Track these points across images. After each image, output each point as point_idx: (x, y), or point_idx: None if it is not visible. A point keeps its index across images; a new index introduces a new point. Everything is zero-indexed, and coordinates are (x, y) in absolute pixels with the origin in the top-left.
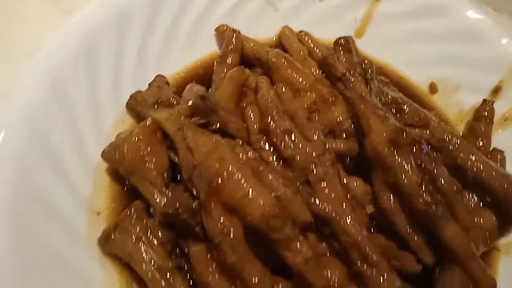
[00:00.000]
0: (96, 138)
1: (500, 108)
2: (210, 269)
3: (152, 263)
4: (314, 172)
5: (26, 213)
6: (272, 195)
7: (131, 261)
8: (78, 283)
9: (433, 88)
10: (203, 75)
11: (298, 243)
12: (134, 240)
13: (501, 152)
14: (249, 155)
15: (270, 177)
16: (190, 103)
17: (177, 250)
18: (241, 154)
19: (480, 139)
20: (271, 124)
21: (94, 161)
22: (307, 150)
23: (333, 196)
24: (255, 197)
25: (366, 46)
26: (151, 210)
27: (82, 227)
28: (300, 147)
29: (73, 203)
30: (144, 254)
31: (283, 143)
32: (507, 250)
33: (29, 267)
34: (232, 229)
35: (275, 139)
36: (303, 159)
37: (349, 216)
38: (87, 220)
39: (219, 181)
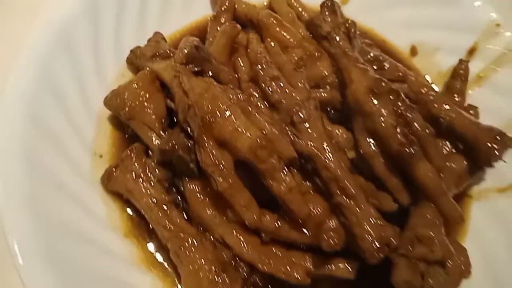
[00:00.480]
0: (99, 89)
1: (475, 67)
2: (203, 203)
3: (151, 197)
4: (299, 114)
5: (37, 149)
6: (259, 132)
7: (131, 197)
8: (81, 213)
9: (413, 51)
10: (198, 36)
11: (282, 173)
12: (134, 178)
13: (475, 107)
14: (239, 97)
15: (258, 117)
16: (185, 51)
17: (173, 189)
18: (232, 96)
19: (456, 95)
20: (260, 72)
21: (96, 109)
22: (293, 95)
23: (315, 136)
24: (244, 131)
25: (351, 12)
26: (150, 152)
27: (86, 166)
28: (286, 92)
29: (78, 144)
30: (143, 190)
31: (270, 88)
32: (479, 197)
33: (40, 192)
34: (223, 161)
35: (263, 85)
36: (289, 103)
37: (330, 153)
38: (90, 161)
39: (212, 118)
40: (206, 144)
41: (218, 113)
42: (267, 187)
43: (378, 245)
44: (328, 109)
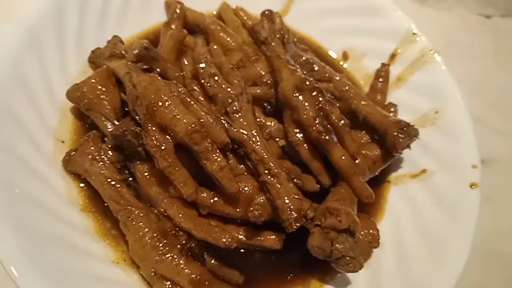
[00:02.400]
0: (63, 83)
1: (395, 70)
2: (150, 182)
3: (104, 176)
4: (232, 105)
5: (5, 134)
6: (195, 119)
7: (88, 176)
8: (44, 189)
9: (345, 56)
10: (154, 40)
11: (215, 154)
12: (90, 159)
13: (395, 105)
14: (180, 90)
15: (196, 107)
16: (135, 51)
17: (126, 171)
18: (173, 89)
19: (378, 94)
20: (200, 70)
21: (61, 101)
22: (228, 90)
23: (245, 124)
24: (182, 118)
25: (291, 21)
26: (105, 139)
27: (49, 150)
28: (222, 87)
29: (43, 130)
30: (97, 169)
31: (209, 84)
32: (395, 181)
33: (7, 169)
34: (164, 143)
35: (203, 81)
36: (223, 96)
37: (258, 139)
38: (53, 145)
39: (155, 107)
40: (149, 129)
41: (160, 103)
42: (202, 166)
43: (295, 216)
44: (265, 105)
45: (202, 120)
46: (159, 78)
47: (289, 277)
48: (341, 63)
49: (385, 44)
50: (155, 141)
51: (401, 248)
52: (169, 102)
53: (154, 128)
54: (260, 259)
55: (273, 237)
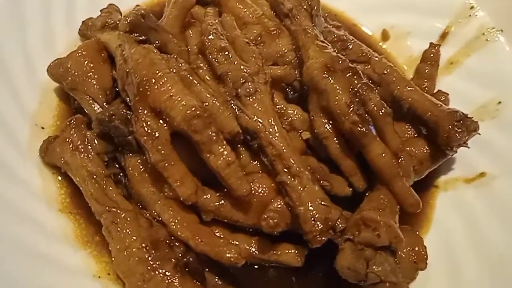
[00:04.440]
0: (46, 60)
1: (446, 53)
2: (142, 179)
3: (87, 170)
4: (245, 86)
5: None
6: (197, 101)
7: (68, 169)
8: (13, 185)
9: (385, 35)
10: (159, 12)
11: (220, 146)
12: (72, 149)
13: (445, 94)
14: (180, 66)
15: (199, 87)
16: (129, 19)
17: (116, 165)
18: (172, 65)
19: (425, 80)
20: (207, 42)
21: (43, 79)
22: (240, 67)
23: (261, 110)
24: (180, 100)
25: None
26: (92, 125)
27: (23, 136)
28: (234, 64)
29: (17, 111)
30: (80, 162)
31: (217, 60)
32: (445, 187)
33: None
34: (157, 132)
35: (210, 57)
36: (235, 74)
37: (276, 129)
38: (29, 131)
39: (147, 85)
40: (140, 112)
41: (153, 80)
42: (205, 161)
43: (321, 227)
44: (288, 90)
45: (206, 104)
46: (155, 50)
47: None
48: (380, 43)
49: (435, 21)
50: (146, 128)
51: (453, 270)
52: (165, 79)
53: (146, 112)
54: (275, 278)
55: (293, 251)
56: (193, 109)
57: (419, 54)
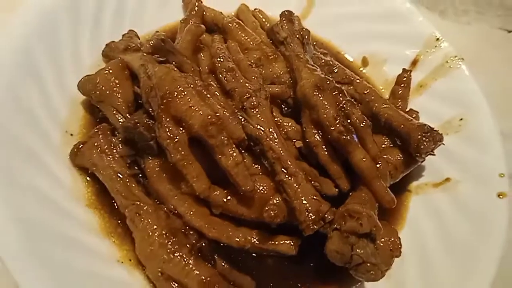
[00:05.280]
0: (75, 76)
1: (416, 77)
2: (160, 178)
3: (113, 170)
4: (249, 100)
5: (13, 122)
6: (211, 111)
7: (96, 170)
8: (49, 182)
9: (364, 62)
10: (170, 38)
11: (230, 149)
12: (99, 153)
13: (416, 112)
14: (196, 83)
15: (212, 100)
16: (152, 42)
17: (136, 167)
18: (189, 81)
19: (399, 100)
20: (218, 64)
21: (71, 93)
22: (246, 84)
23: (263, 120)
24: (198, 110)
25: (310, 25)
26: (116, 132)
27: (57, 141)
28: (240, 82)
29: (50, 120)
30: (106, 163)
31: (226, 78)
32: (417, 191)
33: (12, 161)
34: (177, 136)
35: (220, 76)
36: (241, 91)
37: (275, 137)
38: (60, 137)
39: (170, 97)
40: (163, 120)
41: (175, 93)
42: (217, 161)
43: (313, 217)
44: (283, 106)
45: (218, 114)
46: (176, 69)
47: (303, 287)
48: (360, 69)
49: (407, 50)
50: (168, 133)
51: (424, 260)
52: (185, 93)
53: (168, 120)
54: (273, 266)
55: (288, 242)
56: (209, 117)
57: (393, 78)
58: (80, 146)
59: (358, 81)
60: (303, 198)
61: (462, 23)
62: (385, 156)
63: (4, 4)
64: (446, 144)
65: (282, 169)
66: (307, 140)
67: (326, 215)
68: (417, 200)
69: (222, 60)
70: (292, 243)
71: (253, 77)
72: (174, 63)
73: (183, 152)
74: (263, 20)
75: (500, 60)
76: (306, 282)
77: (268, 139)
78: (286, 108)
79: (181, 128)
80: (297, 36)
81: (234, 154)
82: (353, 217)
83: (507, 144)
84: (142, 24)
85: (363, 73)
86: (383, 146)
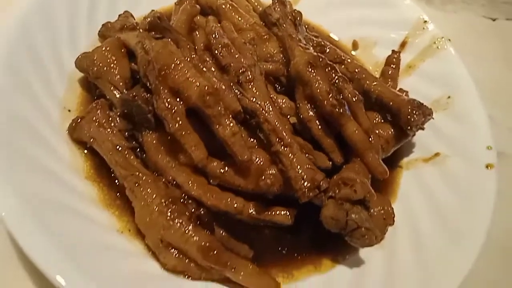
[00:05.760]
0: (71, 55)
1: (405, 59)
2: (158, 151)
3: (112, 142)
4: (245, 75)
5: (12, 97)
6: (208, 82)
7: (94, 143)
8: (49, 155)
9: (355, 45)
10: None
11: (227, 119)
12: (97, 126)
13: (406, 91)
14: (193, 56)
15: (208, 74)
16: (148, 19)
17: (133, 142)
18: (186, 54)
19: (389, 80)
20: (213, 40)
21: (68, 71)
22: (241, 60)
23: (258, 94)
24: (195, 81)
25: (302, 11)
26: (113, 108)
27: (55, 117)
28: (235, 57)
29: (49, 96)
30: (105, 136)
31: (221, 54)
32: (408, 166)
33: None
34: (175, 106)
35: (215, 52)
36: (236, 65)
37: (270, 109)
38: (59, 113)
39: (167, 70)
40: (161, 92)
41: (173, 66)
42: (214, 132)
43: (309, 185)
44: (277, 86)
45: (215, 86)
46: (172, 43)
47: (300, 256)
48: (351, 52)
49: (395, 33)
50: (166, 104)
51: (415, 230)
52: (182, 65)
53: (166, 91)
54: (270, 236)
55: (284, 212)
56: (206, 88)
57: (383, 60)
58: (78, 121)
59: (349, 60)
60: (298, 167)
61: (448, 11)
62: (377, 131)
63: None
64: (434, 121)
65: (278, 140)
66: (301, 116)
67: (321, 183)
68: (408, 175)
69: (217, 36)
70: (288, 213)
71: (248, 54)
72: (170, 40)
73: (181, 122)
74: (255, 4)
75: (485, 47)
76: (302, 251)
77: (263, 111)
78: (280, 87)
79: (179, 100)
80: (290, 17)
81: (231, 124)
82: (347, 185)
83: (494, 126)
84: (137, 7)
85: (354, 56)
86: (374, 121)
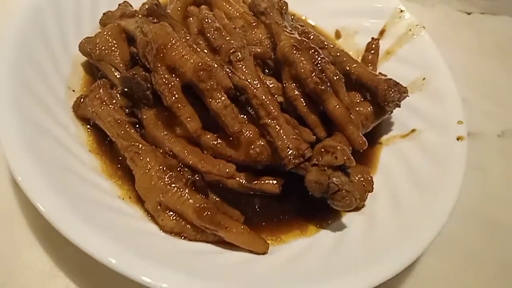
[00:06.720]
0: (76, 40)
1: (384, 45)
2: (156, 125)
3: (113, 117)
4: (235, 54)
5: (23, 71)
6: (202, 59)
7: (97, 118)
8: (55, 124)
9: (337, 34)
10: None
11: (219, 93)
12: (100, 103)
13: (385, 75)
14: (187, 37)
15: (202, 53)
16: (146, 6)
17: (133, 118)
18: (181, 36)
19: (369, 65)
20: (206, 25)
21: (74, 55)
22: (231, 41)
23: (247, 72)
24: (189, 58)
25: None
26: (114, 88)
27: (61, 94)
28: (226, 39)
29: (56, 74)
30: (107, 112)
31: (213, 36)
32: (387, 142)
33: (25, 105)
34: (172, 81)
35: (208, 35)
36: (227, 47)
37: (259, 85)
38: (64, 92)
39: (164, 49)
40: (159, 69)
41: (169, 45)
42: (207, 105)
43: (294, 154)
44: (265, 69)
45: (208, 63)
46: (169, 26)
47: (287, 222)
48: (335, 41)
49: (374, 22)
50: (163, 80)
51: (393, 196)
52: (178, 44)
53: (163, 68)
54: (259, 204)
55: (272, 181)
56: (199, 64)
57: (364, 48)
58: (82, 99)
59: (332, 45)
60: (284, 137)
61: (426, 5)
62: (357, 108)
63: None
64: (411, 101)
65: (266, 113)
66: (287, 95)
67: (305, 152)
68: (387, 150)
69: (209, 21)
70: (276, 183)
71: (238, 37)
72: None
73: (177, 96)
74: None
75: (460, 38)
76: (289, 218)
77: (252, 87)
78: (267, 70)
79: (175, 76)
80: (276, 7)
81: (223, 98)
82: (328, 152)
83: (468, 108)
84: None
85: (337, 44)
86: (355, 100)
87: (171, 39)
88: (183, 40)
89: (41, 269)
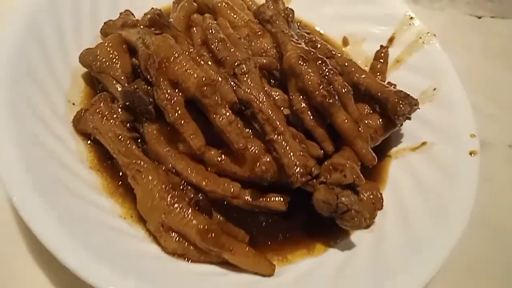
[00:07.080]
0: (75, 51)
1: (393, 53)
2: (159, 141)
3: (114, 133)
4: (240, 67)
5: (21, 85)
6: (205, 74)
7: (98, 134)
8: (55, 141)
9: (345, 41)
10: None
11: (224, 109)
12: (101, 117)
13: (394, 84)
14: (190, 50)
15: (206, 67)
16: (148, 16)
17: (135, 133)
18: (184, 48)
19: (378, 74)
20: (210, 35)
21: (73, 66)
22: (236, 53)
23: (252, 85)
24: (193, 73)
25: (294, 9)
26: (116, 101)
27: (61, 109)
28: (230, 51)
29: (56, 88)
30: (108, 127)
31: (218, 48)
32: (396, 155)
33: (19, 114)
34: (174, 97)
35: (212, 46)
36: (232, 59)
37: (264, 100)
38: (64, 105)
39: (167, 63)
40: (161, 84)
41: (172, 59)
42: (211, 121)
43: (301, 171)
44: (270, 79)
45: (212, 78)
46: (171, 38)
47: (293, 241)
48: (342, 48)
49: (384, 29)
50: (166, 95)
51: (403, 214)
52: (181, 58)
53: (165, 83)
54: (265, 222)
55: (278, 198)
56: (203, 79)
57: (372, 55)
58: (82, 113)
59: (339, 55)
60: (291, 154)
61: (434, 9)
62: (366, 121)
63: None
64: (422, 112)
65: (272, 129)
66: (294, 107)
67: (312, 169)
68: (397, 163)
69: (213, 31)
70: (282, 200)
71: (243, 48)
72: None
73: (180, 112)
74: (250, 3)
75: (469, 43)
76: (295, 236)
77: (258, 102)
78: (273, 81)
79: (178, 91)
80: (282, 15)
81: (228, 113)
82: (337, 170)
83: (476, 116)
84: (137, 7)
85: (344, 51)
86: (363, 112)
87: (174, 52)
88: (186, 53)
89: None
